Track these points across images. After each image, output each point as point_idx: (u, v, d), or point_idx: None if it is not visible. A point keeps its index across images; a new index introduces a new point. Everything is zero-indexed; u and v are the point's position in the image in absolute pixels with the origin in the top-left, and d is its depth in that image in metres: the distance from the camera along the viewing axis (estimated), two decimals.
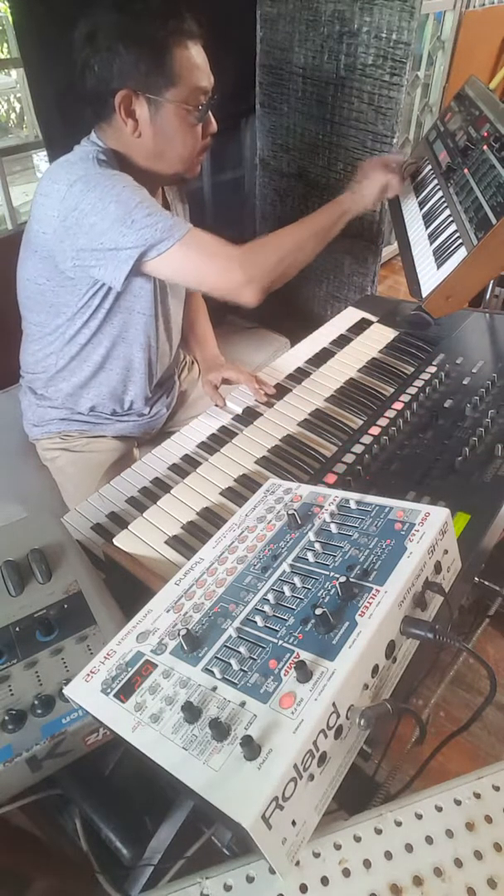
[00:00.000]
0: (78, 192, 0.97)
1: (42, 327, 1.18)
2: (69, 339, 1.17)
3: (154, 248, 0.99)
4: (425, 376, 1.11)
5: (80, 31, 0.98)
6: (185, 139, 1.06)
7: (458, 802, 0.52)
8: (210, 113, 1.07)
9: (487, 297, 1.60)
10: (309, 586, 0.61)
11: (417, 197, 1.37)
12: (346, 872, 0.48)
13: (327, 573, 0.62)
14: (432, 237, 1.18)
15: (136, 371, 1.25)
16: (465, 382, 1.08)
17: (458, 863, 0.48)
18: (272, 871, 0.47)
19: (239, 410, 1.13)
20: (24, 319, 1.21)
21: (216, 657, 0.56)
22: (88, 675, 0.59)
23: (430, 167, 1.39)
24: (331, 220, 1.18)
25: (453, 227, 1.13)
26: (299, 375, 1.19)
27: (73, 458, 1.29)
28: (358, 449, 0.97)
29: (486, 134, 1.21)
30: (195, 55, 1.01)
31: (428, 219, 1.25)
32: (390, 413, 1.04)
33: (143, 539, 0.88)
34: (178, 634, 0.59)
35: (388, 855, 0.49)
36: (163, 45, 0.97)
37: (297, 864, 0.48)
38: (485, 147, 1.18)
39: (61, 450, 1.30)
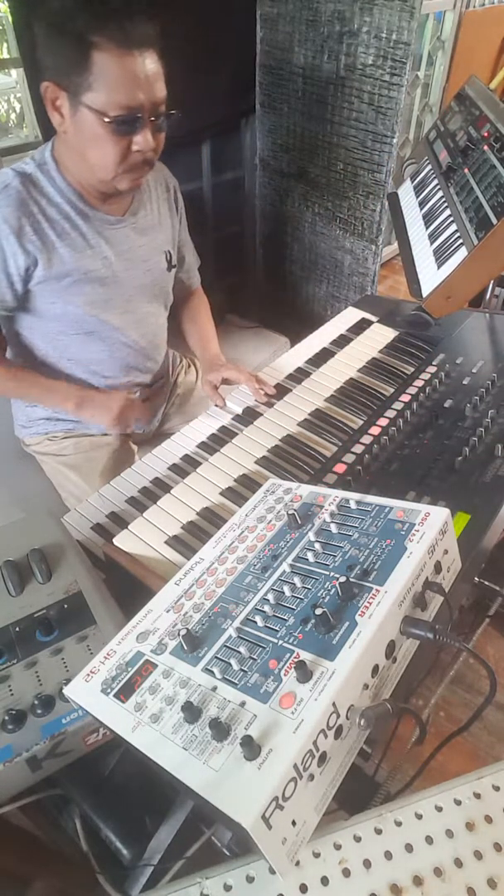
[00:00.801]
0: None
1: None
2: (23, 351, 1.19)
3: None
4: (425, 376, 1.11)
5: (42, 9, 0.95)
6: (103, 148, 0.98)
7: (458, 802, 0.52)
8: (148, 130, 0.98)
9: (487, 297, 1.60)
10: (309, 586, 0.61)
11: (417, 197, 1.37)
12: (346, 872, 0.48)
13: (327, 573, 0.62)
14: (432, 237, 1.19)
15: (99, 378, 1.24)
16: (465, 382, 1.08)
17: (458, 863, 0.48)
18: (272, 871, 0.47)
19: (239, 410, 1.13)
20: None
21: (216, 657, 0.56)
22: (88, 675, 0.59)
23: (430, 167, 1.39)
24: (41, 403, 1.24)
25: (453, 227, 1.13)
26: (299, 375, 1.19)
27: (63, 459, 1.29)
28: (358, 449, 0.97)
29: (486, 134, 1.21)
30: (128, 65, 0.92)
31: (428, 219, 1.25)
32: (390, 413, 1.04)
33: (143, 539, 0.88)
34: (178, 634, 0.59)
35: (388, 855, 0.49)
36: (86, 45, 0.90)
37: (297, 864, 0.48)
38: (485, 147, 1.18)
39: (51, 453, 1.30)
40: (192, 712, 0.51)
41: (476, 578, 0.80)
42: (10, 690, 0.63)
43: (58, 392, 1.17)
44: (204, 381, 1.26)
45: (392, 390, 1.11)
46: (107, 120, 0.95)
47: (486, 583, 0.81)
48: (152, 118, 0.98)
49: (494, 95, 1.33)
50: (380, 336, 1.27)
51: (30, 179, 1.04)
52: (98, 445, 1.30)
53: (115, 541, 0.88)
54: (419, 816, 0.51)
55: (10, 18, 1.42)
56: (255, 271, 2.32)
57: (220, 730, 0.48)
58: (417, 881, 0.47)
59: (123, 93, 0.93)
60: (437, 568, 0.63)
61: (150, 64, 0.94)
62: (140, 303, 1.22)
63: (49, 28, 0.93)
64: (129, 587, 0.80)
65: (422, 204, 1.32)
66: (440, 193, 1.27)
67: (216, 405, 1.17)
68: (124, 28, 0.90)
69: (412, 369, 1.15)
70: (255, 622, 0.59)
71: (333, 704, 0.49)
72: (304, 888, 0.48)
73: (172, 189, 1.28)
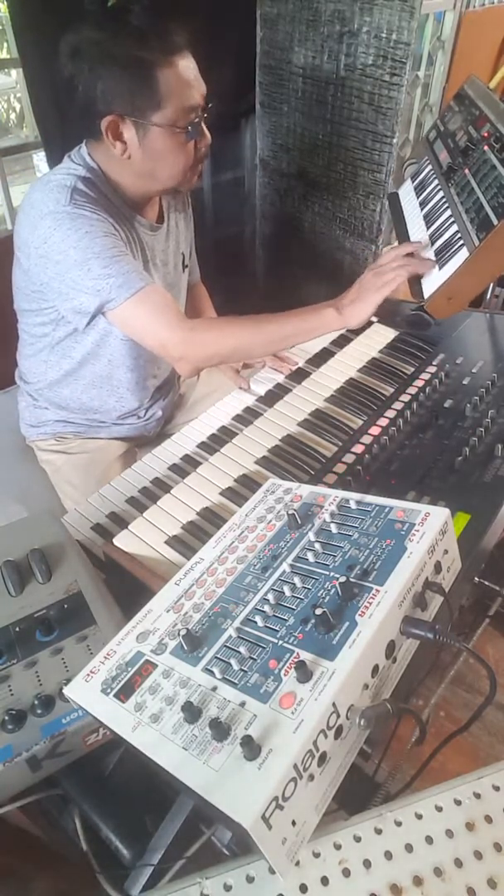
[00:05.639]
0: (46, 228, 0.98)
1: (31, 332, 1.18)
2: (58, 351, 1.18)
3: (107, 303, 0.99)
4: (425, 376, 1.11)
5: (63, 46, 0.95)
6: (177, 158, 1.03)
7: (458, 802, 0.52)
8: (203, 125, 1.03)
9: (488, 297, 1.60)
10: (309, 586, 0.61)
11: (418, 197, 1.37)
12: (346, 872, 0.48)
13: (327, 573, 0.62)
14: (433, 238, 1.18)
15: (125, 389, 1.25)
16: (465, 382, 1.08)
17: (458, 863, 0.48)
18: (272, 871, 0.47)
19: (239, 410, 1.13)
20: (18, 321, 1.21)
21: (216, 657, 0.56)
22: (88, 675, 0.59)
23: (430, 167, 1.39)
24: (304, 334, 1.06)
25: (454, 228, 1.13)
26: (299, 375, 1.19)
27: (68, 459, 1.29)
28: (358, 449, 0.97)
29: (486, 134, 1.21)
30: (183, 71, 0.96)
31: (429, 219, 1.25)
32: (390, 413, 1.04)
33: (143, 539, 0.88)
34: (178, 634, 0.59)
35: (388, 855, 0.49)
36: (147, 66, 0.93)
37: (297, 864, 0.48)
38: (485, 147, 1.18)
39: (57, 451, 1.30)
40: (192, 712, 0.51)
41: (476, 578, 0.80)
42: (10, 690, 0.63)
43: (317, 310, 1.04)
44: (225, 367, 1.29)
45: (392, 390, 1.11)
46: (178, 130, 0.98)
47: (486, 583, 0.81)
48: (204, 114, 1.02)
49: (494, 95, 1.32)
50: (380, 336, 1.27)
51: (87, 182, 1.04)
52: (103, 450, 1.31)
53: (115, 541, 0.88)
54: (419, 816, 0.51)
55: (9, 19, 1.42)
56: (255, 271, 2.32)
57: (220, 730, 0.48)
58: (417, 881, 0.47)
59: (189, 99, 0.97)
60: (437, 568, 0.63)
61: (193, 62, 0.98)
62: None
63: (105, 60, 0.93)
64: (129, 587, 0.80)
65: (422, 204, 1.32)
66: (441, 194, 1.26)
67: (240, 387, 1.18)
68: (176, 35, 0.94)
69: (412, 369, 1.15)
70: (255, 622, 0.59)
71: (333, 704, 0.49)
72: (304, 888, 0.48)
73: (185, 193, 1.30)
